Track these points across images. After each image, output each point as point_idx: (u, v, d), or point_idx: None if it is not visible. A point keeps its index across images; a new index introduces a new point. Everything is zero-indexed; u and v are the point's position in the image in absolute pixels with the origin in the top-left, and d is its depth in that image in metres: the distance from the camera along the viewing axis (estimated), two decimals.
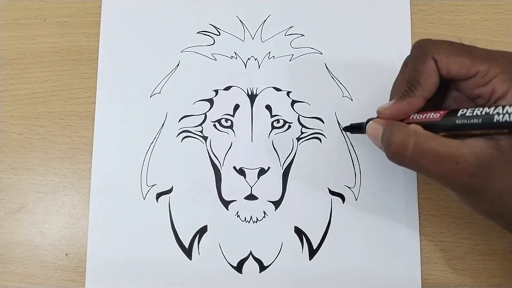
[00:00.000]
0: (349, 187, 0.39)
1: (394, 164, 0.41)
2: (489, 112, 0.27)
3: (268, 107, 0.40)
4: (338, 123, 0.40)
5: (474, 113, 0.27)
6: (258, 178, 0.39)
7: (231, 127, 0.40)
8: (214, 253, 0.39)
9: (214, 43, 0.42)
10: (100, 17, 0.42)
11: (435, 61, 0.29)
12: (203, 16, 0.42)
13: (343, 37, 0.42)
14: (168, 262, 0.39)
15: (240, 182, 0.39)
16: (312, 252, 0.39)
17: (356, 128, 0.36)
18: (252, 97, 0.41)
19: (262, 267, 0.38)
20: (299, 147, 0.40)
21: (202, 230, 0.39)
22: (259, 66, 0.41)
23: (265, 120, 0.40)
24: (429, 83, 0.29)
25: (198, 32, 0.42)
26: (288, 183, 0.39)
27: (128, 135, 0.40)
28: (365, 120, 0.34)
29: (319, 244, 0.39)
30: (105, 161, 0.40)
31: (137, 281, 0.38)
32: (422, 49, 0.29)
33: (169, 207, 0.39)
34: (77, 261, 0.39)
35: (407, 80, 0.30)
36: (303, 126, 0.40)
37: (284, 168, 0.40)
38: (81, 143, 0.40)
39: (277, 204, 0.39)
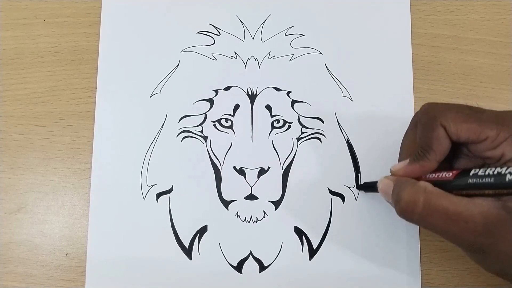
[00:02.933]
0: (349, 187, 0.39)
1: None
2: (501, 172, 0.27)
3: (268, 107, 0.40)
4: (338, 123, 0.40)
5: (486, 173, 0.28)
6: (258, 178, 0.39)
7: (231, 127, 0.40)
8: (214, 253, 0.39)
9: (214, 43, 0.42)
10: (100, 17, 0.42)
11: (444, 128, 0.29)
12: (203, 16, 0.42)
13: (343, 37, 0.42)
14: (168, 262, 0.39)
15: (240, 182, 0.39)
16: (312, 252, 0.39)
17: (369, 187, 0.38)
18: (252, 97, 0.41)
19: (262, 267, 0.38)
20: (299, 147, 0.40)
21: (202, 230, 0.39)
22: (259, 66, 0.41)
23: (265, 120, 0.40)
24: (441, 148, 0.29)
25: (198, 32, 0.42)
26: (288, 183, 0.39)
27: (128, 135, 0.40)
28: (377, 179, 0.35)
29: (319, 244, 0.39)
30: (105, 161, 0.40)
31: (137, 281, 0.38)
32: (430, 116, 0.30)
33: (169, 207, 0.39)
34: (77, 261, 0.39)
35: (419, 145, 0.31)
36: (303, 126, 0.40)
37: (284, 168, 0.40)
38: (81, 143, 0.40)
39: (277, 204, 0.39)
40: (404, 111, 0.41)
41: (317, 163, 0.40)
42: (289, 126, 0.40)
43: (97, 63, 0.41)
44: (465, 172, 0.29)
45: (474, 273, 0.39)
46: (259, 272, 0.38)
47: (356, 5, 0.42)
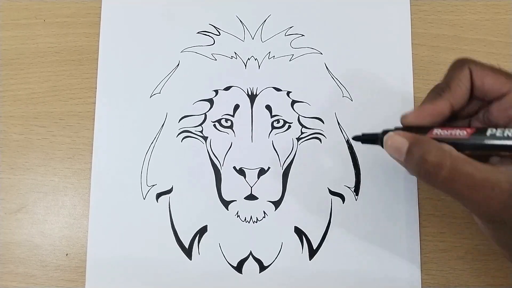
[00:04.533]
0: (349, 187, 0.39)
1: (394, 164, 0.40)
2: None
3: (268, 107, 0.40)
4: (338, 123, 0.40)
5: (505, 134, 0.27)
6: (258, 178, 0.39)
7: (231, 127, 0.40)
8: (214, 253, 0.39)
9: (214, 43, 0.42)
10: (100, 17, 0.42)
11: (471, 71, 0.29)
12: (203, 16, 0.42)
13: (343, 37, 0.42)
14: (168, 262, 0.39)
15: (240, 182, 0.39)
16: (312, 252, 0.39)
17: (368, 139, 0.33)
18: (252, 97, 0.41)
19: (262, 267, 0.38)
20: (299, 147, 0.40)
21: (202, 230, 0.39)
22: (259, 66, 0.41)
23: (265, 120, 0.40)
24: (459, 88, 0.29)
25: (198, 32, 0.42)
26: (288, 183, 0.39)
27: (128, 135, 0.40)
28: (379, 131, 0.32)
29: (319, 244, 0.39)
30: (105, 161, 0.40)
31: (137, 281, 0.38)
32: (460, 61, 0.30)
33: (169, 207, 0.39)
34: (77, 261, 0.39)
35: (437, 88, 0.30)
36: (303, 126, 0.40)
37: (284, 168, 0.40)
38: (81, 143, 0.40)
39: (277, 204, 0.39)
40: (404, 111, 0.40)
41: (317, 163, 0.40)
42: (289, 126, 0.40)
43: (97, 63, 0.41)
44: (481, 131, 0.28)
45: (474, 273, 0.39)
46: (259, 272, 0.38)
47: (356, 5, 0.42)
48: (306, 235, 0.39)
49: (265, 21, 0.42)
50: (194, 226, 0.39)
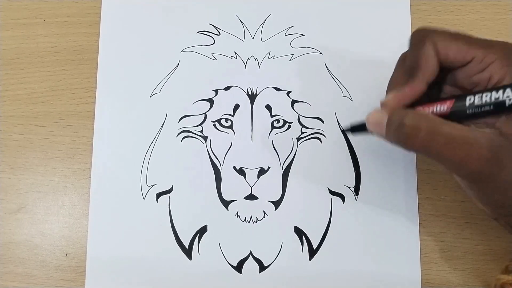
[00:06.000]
0: (349, 187, 0.39)
1: (394, 164, 0.40)
2: (498, 97, 0.27)
3: (268, 107, 0.40)
4: (338, 123, 0.40)
5: (484, 101, 0.27)
6: (258, 178, 0.39)
7: (231, 127, 0.40)
8: (214, 253, 0.39)
9: (214, 43, 0.42)
10: (100, 17, 0.42)
11: (434, 45, 0.29)
12: (203, 16, 0.42)
13: (343, 37, 0.42)
14: (168, 262, 0.39)
15: (240, 182, 0.39)
16: (312, 252, 0.39)
17: (357, 128, 0.34)
18: (252, 97, 0.41)
19: (262, 267, 0.38)
20: (299, 147, 0.40)
21: (202, 230, 0.39)
22: (259, 66, 0.41)
23: (265, 120, 0.40)
24: (429, 65, 0.29)
25: (198, 32, 0.42)
26: (288, 183, 0.39)
27: (128, 135, 0.40)
28: (365, 118, 0.33)
29: (319, 244, 0.39)
30: (105, 161, 0.40)
31: (137, 281, 0.38)
32: (421, 35, 0.30)
33: (169, 207, 0.39)
34: (77, 261, 0.39)
35: (407, 66, 0.30)
36: (303, 126, 0.40)
37: (284, 168, 0.40)
38: (81, 143, 0.40)
39: (277, 204, 0.39)
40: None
41: (317, 163, 0.40)
42: (289, 126, 0.40)
43: (97, 63, 0.41)
44: (460, 101, 0.28)
45: (474, 273, 0.39)
46: (259, 272, 0.38)
47: (356, 5, 0.42)
48: (306, 235, 0.39)
49: (265, 21, 0.42)
50: (194, 226, 0.39)
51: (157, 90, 0.41)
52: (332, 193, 0.39)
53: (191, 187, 0.39)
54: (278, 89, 0.41)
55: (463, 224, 0.39)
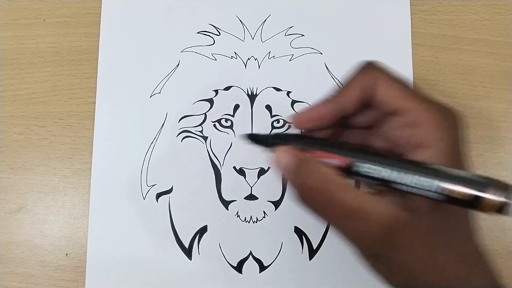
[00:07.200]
0: None
1: None
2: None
3: (268, 107, 0.40)
4: None
5: (376, 173, 0.24)
6: (258, 178, 0.39)
7: (231, 127, 0.40)
8: (214, 253, 0.39)
9: (214, 43, 0.42)
10: (100, 17, 0.42)
11: (368, 77, 0.26)
12: (203, 16, 0.42)
13: (343, 37, 0.42)
14: (168, 262, 0.39)
15: (240, 182, 0.39)
16: (312, 252, 0.39)
17: (258, 140, 0.30)
18: (252, 97, 0.41)
19: (262, 267, 0.38)
20: None
21: (202, 230, 0.39)
22: (259, 66, 0.41)
23: (265, 120, 0.40)
24: (352, 90, 0.26)
25: (198, 32, 0.42)
26: (288, 183, 0.39)
27: (128, 135, 0.40)
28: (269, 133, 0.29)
29: (319, 244, 0.39)
30: (105, 161, 0.40)
31: (137, 281, 0.38)
32: (366, 65, 0.27)
33: (169, 207, 0.39)
34: (77, 261, 0.39)
35: (335, 91, 0.28)
36: None
37: None
38: (81, 143, 0.40)
39: (277, 204, 0.39)
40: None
41: None
42: (289, 126, 0.40)
43: (97, 63, 0.41)
44: (360, 162, 0.24)
45: None
46: (259, 272, 0.38)
47: (356, 5, 0.42)
48: (306, 235, 0.39)
49: (265, 21, 0.42)
50: (194, 226, 0.39)
51: (157, 90, 0.41)
52: None
53: (191, 187, 0.39)
54: (278, 89, 0.41)
55: None
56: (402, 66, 0.41)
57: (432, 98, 0.26)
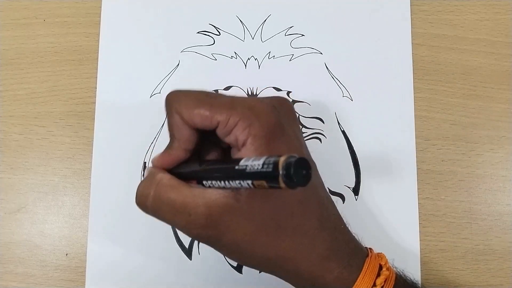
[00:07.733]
0: (349, 187, 0.39)
1: (394, 164, 0.41)
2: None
3: None
4: (338, 123, 0.40)
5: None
6: None
7: None
8: (214, 253, 0.38)
9: (214, 43, 0.42)
10: (100, 17, 0.42)
11: (179, 114, 0.28)
12: (203, 16, 0.42)
13: (343, 37, 0.42)
14: (168, 262, 0.38)
15: None
16: None
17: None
18: (252, 97, 0.41)
19: None
20: None
21: None
22: (259, 66, 0.41)
23: None
24: (182, 135, 0.29)
25: (198, 32, 0.42)
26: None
27: (128, 135, 0.40)
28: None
29: None
30: (105, 161, 0.40)
31: (137, 281, 0.38)
32: (168, 104, 0.29)
33: None
34: (77, 261, 0.39)
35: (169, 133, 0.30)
36: (303, 126, 0.40)
37: None
38: (81, 143, 0.40)
39: None
40: (404, 111, 0.41)
41: (317, 163, 0.40)
42: None
43: (97, 63, 0.41)
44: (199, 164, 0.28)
45: (474, 273, 0.39)
46: (259, 272, 0.38)
47: (356, 5, 0.42)
48: None
49: (265, 21, 0.42)
50: None
51: (157, 90, 0.41)
52: (332, 193, 0.39)
53: None
54: (278, 89, 0.41)
55: (463, 224, 0.39)
56: (402, 66, 0.41)
57: (238, 98, 0.28)
